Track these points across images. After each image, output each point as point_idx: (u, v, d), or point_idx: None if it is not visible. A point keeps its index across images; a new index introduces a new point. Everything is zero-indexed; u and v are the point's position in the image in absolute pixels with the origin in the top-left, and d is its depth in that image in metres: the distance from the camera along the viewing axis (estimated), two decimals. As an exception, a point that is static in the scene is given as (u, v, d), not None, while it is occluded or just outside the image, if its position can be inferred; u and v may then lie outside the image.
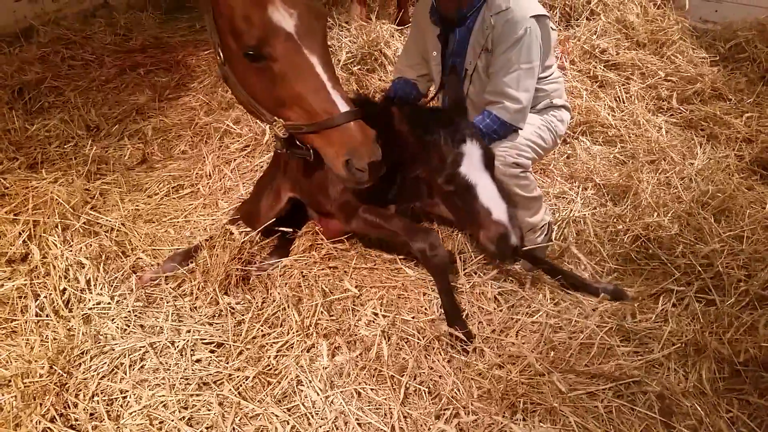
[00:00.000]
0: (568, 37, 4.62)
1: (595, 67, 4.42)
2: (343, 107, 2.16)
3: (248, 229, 2.89)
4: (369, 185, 2.27)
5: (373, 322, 2.53)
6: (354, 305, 2.62)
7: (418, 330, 2.49)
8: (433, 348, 2.43)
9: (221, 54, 2.27)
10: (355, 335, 2.49)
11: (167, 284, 2.78)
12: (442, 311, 2.53)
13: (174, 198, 3.45)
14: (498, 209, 2.10)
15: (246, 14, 2.09)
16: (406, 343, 2.44)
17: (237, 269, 2.76)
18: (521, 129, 2.78)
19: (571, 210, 3.21)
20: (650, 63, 4.50)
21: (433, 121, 2.29)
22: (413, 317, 2.55)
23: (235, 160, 3.63)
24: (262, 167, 3.59)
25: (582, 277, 2.74)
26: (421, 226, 2.53)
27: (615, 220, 3.13)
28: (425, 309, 2.59)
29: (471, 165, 2.15)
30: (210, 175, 3.54)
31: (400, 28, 4.77)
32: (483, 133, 2.64)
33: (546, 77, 2.89)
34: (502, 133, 2.74)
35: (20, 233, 2.93)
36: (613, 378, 2.25)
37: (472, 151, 2.17)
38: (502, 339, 2.46)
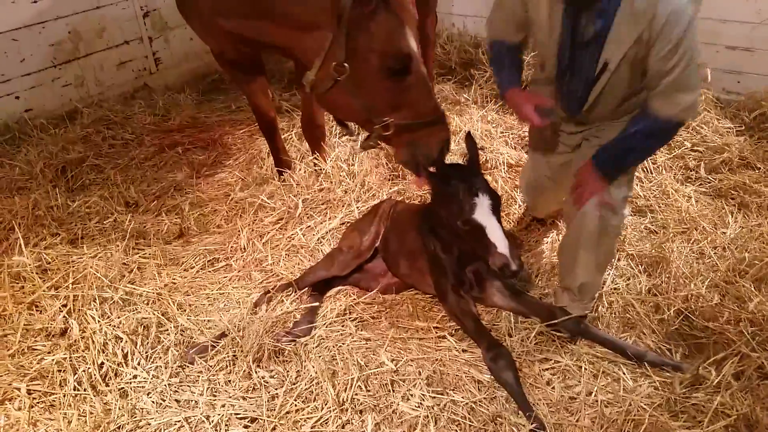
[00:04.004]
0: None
1: (621, 139, 4.48)
2: (441, 108, 2.78)
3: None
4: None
5: (421, 404, 2.49)
6: (392, 379, 2.60)
7: (469, 411, 2.46)
8: (486, 430, 2.38)
9: (347, 68, 2.61)
10: (395, 412, 2.45)
11: (202, 356, 2.79)
12: (488, 389, 2.58)
13: (209, 271, 3.51)
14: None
15: (397, 39, 2.60)
16: (457, 426, 2.40)
17: (270, 342, 2.77)
18: (683, 123, 2.61)
19: (605, 282, 3.18)
20: (676, 134, 4.54)
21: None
22: (463, 397, 2.52)
23: (268, 233, 3.71)
24: (291, 238, 3.65)
25: (649, 352, 2.70)
26: (492, 337, 2.72)
27: (652, 292, 3.09)
28: (469, 389, 2.57)
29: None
30: (244, 248, 3.61)
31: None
32: (636, 139, 2.53)
33: None
34: (662, 136, 2.57)
35: (60, 308, 3.00)
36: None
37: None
38: (567, 420, 2.44)
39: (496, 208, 2.63)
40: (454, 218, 2.65)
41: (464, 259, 2.89)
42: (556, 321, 2.75)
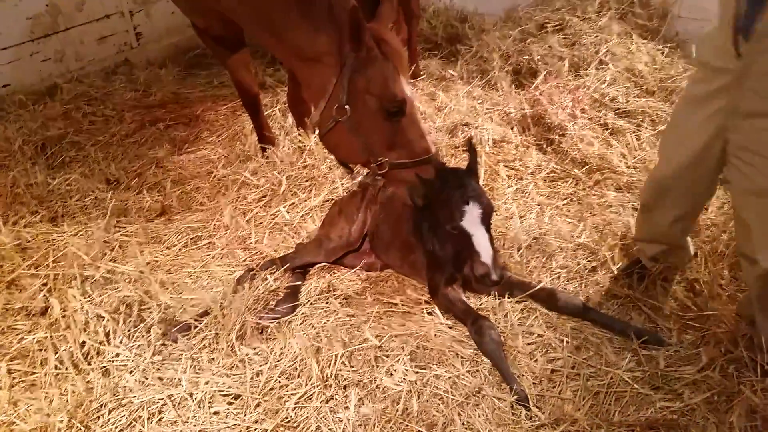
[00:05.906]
0: (578, 87, 4.69)
1: (606, 115, 4.45)
2: (434, 149, 2.87)
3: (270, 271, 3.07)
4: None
5: (404, 379, 2.49)
6: (376, 355, 2.60)
7: (452, 385, 2.47)
8: (468, 404, 2.39)
9: (348, 110, 2.76)
10: (379, 387, 2.46)
11: (185, 335, 2.78)
12: (470, 363, 2.59)
13: (192, 249, 3.48)
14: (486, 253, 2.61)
15: (393, 83, 2.75)
16: (440, 400, 2.41)
17: (252, 320, 2.76)
18: None
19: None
20: (660, 110, 4.53)
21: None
22: (445, 371, 2.52)
23: (252, 210, 3.68)
24: (275, 215, 3.63)
25: (653, 332, 2.70)
26: (477, 313, 2.75)
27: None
28: (452, 363, 2.57)
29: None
30: (228, 226, 3.58)
31: (412, 81, 4.87)
32: None
33: None
34: None
35: (41, 287, 2.96)
36: (650, 426, 2.21)
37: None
38: (549, 392, 2.45)
39: (486, 218, 2.69)
40: (444, 222, 2.74)
41: (461, 259, 2.89)
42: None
